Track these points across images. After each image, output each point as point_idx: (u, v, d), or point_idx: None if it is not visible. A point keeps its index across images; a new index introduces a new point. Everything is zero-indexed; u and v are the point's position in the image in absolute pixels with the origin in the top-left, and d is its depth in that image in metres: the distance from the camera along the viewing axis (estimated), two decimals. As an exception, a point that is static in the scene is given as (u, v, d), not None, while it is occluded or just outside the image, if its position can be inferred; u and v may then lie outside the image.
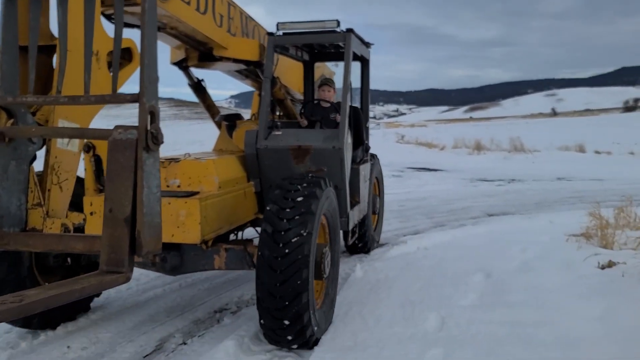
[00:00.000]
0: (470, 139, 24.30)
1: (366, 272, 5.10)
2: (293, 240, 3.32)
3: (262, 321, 3.42)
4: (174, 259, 3.87)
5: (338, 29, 4.59)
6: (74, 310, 4.18)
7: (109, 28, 2.92)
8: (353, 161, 5.07)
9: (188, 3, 3.83)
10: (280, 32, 4.68)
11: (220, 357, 3.29)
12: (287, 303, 3.30)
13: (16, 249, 2.13)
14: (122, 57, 3.16)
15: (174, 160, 4.05)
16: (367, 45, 5.47)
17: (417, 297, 4.26)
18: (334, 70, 7.71)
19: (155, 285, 5.04)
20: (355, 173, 5.01)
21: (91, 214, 3.61)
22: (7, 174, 2.20)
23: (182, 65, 5.02)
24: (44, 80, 2.79)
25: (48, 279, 4.00)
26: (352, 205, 4.92)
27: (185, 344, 3.74)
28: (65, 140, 2.56)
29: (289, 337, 3.42)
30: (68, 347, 3.66)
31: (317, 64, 6.52)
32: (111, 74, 3.09)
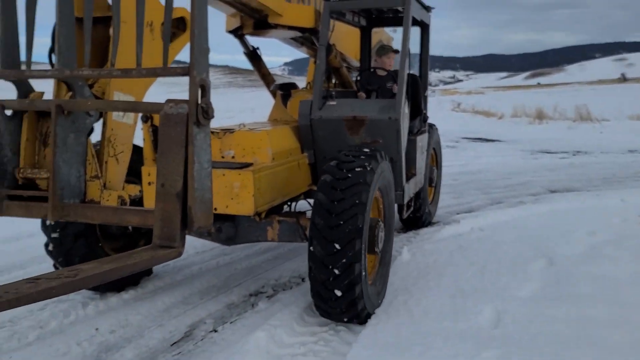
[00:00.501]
0: (531, 107, 22.65)
1: (414, 255, 4.74)
2: (347, 211, 3.27)
3: (313, 292, 3.42)
4: (229, 229, 3.91)
5: (397, -7, 4.37)
6: (139, 274, 4.36)
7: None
8: (410, 132, 4.90)
9: (242, -31, 3.74)
10: (337, -3, 4.52)
11: (251, 349, 3.08)
12: (339, 273, 3.26)
13: (76, 220, 2.18)
14: (176, 26, 3.13)
15: (228, 130, 4.05)
16: (427, 9, 5.22)
17: (469, 287, 3.95)
18: (392, 35, 7.46)
19: (193, 263, 4.91)
20: (412, 144, 4.85)
21: (149, 184, 3.68)
22: (67, 146, 2.24)
23: (238, 33, 4.97)
24: (101, 52, 2.81)
25: (111, 245, 4.16)
26: (408, 178, 4.78)
27: (215, 331, 3.56)
28: (121, 112, 2.58)
29: (340, 309, 3.39)
30: (96, 329, 3.54)
31: (374, 30, 6.31)
32: (166, 44, 3.08)
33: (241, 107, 27.12)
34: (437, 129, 6.43)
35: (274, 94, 5.64)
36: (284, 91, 5.30)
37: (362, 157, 3.52)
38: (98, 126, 2.55)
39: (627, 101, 25.94)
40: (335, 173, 3.40)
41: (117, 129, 2.57)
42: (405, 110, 4.36)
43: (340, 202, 3.29)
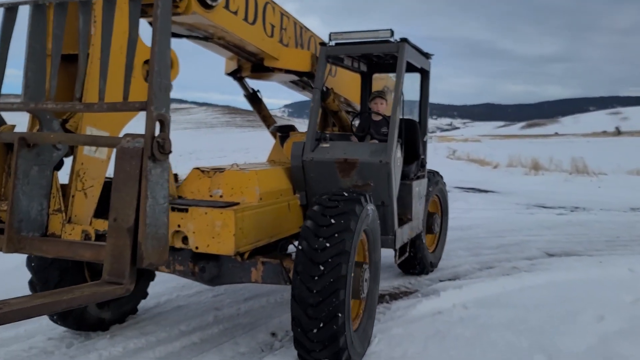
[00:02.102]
0: (527, 157, 22.08)
1: (378, 344, 3.84)
2: (330, 260, 3.18)
3: (296, 342, 3.31)
4: (213, 269, 3.84)
5: (392, 39, 4.42)
6: (123, 313, 4.29)
7: (146, 37, 2.94)
8: (406, 177, 4.84)
9: (235, 13, 3.83)
10: (333, 42, 4.58)
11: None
12: (322, 325, 3.17)
13: (30, 253, 2.15)
14: (162, 66, 3.18)
15: (219, 170, 4.05)
16: (427, 56, 5.25)
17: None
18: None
19: (188, 304, 4.74)
20: (407, 189, 4.78)
21: (133, 220, 3.66)
22: (29, 179, 2.24)
23: (237, 76, 5.05)
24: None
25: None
26: (402, 223, 4.68)
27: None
28: (93, 147, 2.59)
29: None
30: None
31: (379, 76, 6.36)
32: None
33: (236, 146, 27.23)
34: (441, 176, 6.35)
35: (274, 135, 5.67)
36: (283, 133, 5.32)
37: (346, 201, 3.45)
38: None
39: (623, 154, 24.99)
40: (318, 219, 3.34)
41: (88, 163, 2.58)
42: (398, 154, 4.31)
43: (324, 250, 3.21)
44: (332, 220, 3.30)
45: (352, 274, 3.38)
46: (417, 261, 5.64)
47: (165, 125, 2.02)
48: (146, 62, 2.97)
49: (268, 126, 5.74)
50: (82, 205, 2.50)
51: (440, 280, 5.67)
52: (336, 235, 3.23)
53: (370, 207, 3.68)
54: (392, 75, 7.15)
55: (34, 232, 2.27)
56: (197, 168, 4.17)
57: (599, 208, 11.51)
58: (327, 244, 3.21)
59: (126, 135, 2.02)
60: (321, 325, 3.14)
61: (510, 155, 23.21)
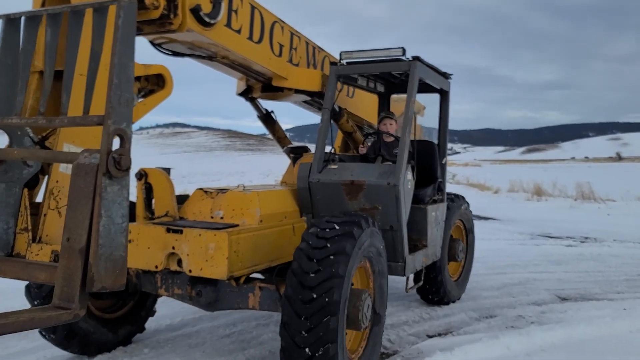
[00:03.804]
0: (529, 182, 20.89)
1: None
2: (321, 284, 2.99)
3: None
4: (210, 294, 3.69)
5: (404, 57, 4.25)
6: (127, 335, 4.18)
7: (145, 56, 2.89)
8: (421, 201, 4.61)
9: (238, 31, 3.75)
10: (344, 62, 4.45)
11: None
12: (311, 355, 2.96)
13: (-11, 273, 2.06)
14: (155, 83, 3.12)
15: (221, 191, 3.95)
16: (446, 76, 5.05)
17: None
18: (424, 104, 7.31)
19: (188, 334, 4.43)
20: (421, 213, 4.54)
21: (130, 241, 3.58)
22: (-6, 196, 2.17)
23: (248, 96, 4.98)
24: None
25: (97, 304, 4.03)
26: (416, 249, 4.43)
27: None
28: (70, 164, 2.52)
29: None
30: None
31: (400, 97, 6.18)
32: (139, 100, 3.06)
33: (232, 169, 27.15)
34: (465, 200, 6.06)
35: (288, 157, 5.56)
36: (295, 154, 5.20)
37: (344, 223, 3.26)
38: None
39: (629, 180, 23.05)
40: (312, 241, 3.16)
41: (64, 181, 2.50)
42: (408, 176, 4.10)
43: (315, 274, 3.03)
44: (327, 244, 3.11)
45: (348, 302, 3.17)
46: (436, 290, 5.34)
47: (125, 141, 1.92)
48: (134, 79, 2.91)
49: (283, 147, 5.63)
50: (54, 225, 2.41)
51: (428, 336, 4.58)
52: (330, 258, 3.04)
53: (374, 231, 3.47)
54: (417, 98, 6.96)
55: (-1, 251, 2.19)
56: (201, 189, 4.08)
57: (612, 239, 10.38)
58: (320, 267, 3.03)
59: (84, 150, 1.92)
60: (310, 354, 2.93)
61: (512, 179, 21.98)
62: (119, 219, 1.90)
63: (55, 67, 2.16)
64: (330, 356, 2.96)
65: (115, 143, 1.91)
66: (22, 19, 2.20)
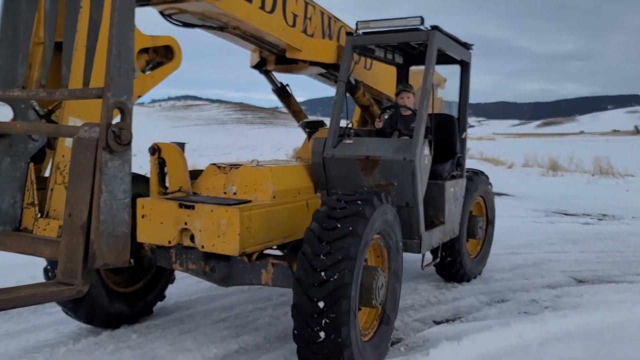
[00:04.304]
0: (544, 156, 20.11)
1: None
2: (332, 266, 2.93)
3: (299, 355, 3.08)
4: (223, 269, 3.67)
5: (422, 27, 4.09)
6: (148, 307, 4.21)
7: (144, 26, 2.81)
8: (439, 176, 4.49)
9: (249, 1, 3.64)
10: (360, 32, 4.31)
11: None
12: (324, 336, 2.92)
13: (-5, 248, 2.05)
14: (164, 55, 3.05)
15: (234, 166, 3.89)
16: (466, 46, 4.86)
17: None
18: (445, 77, 7.12)
19: (180, 318, 4.26)
20: (439, 189, 4.43)
21: (142, 217, 3.57)
22: (0, 171, 2.15)
23: (262, 69, 4.88)
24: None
25: (114, 279, 4.06)
26: (432, 226, 4.34)
27: None
28: (76, 138, 2.48)
29: None
30: None
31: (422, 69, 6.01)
32: (147, 73, 2.99)
33: (243, 143, 26.81)
34: (486, 175, 5.92)
35: (304, 131, 5.47)
36: (311, 128, 5.10)
37: (356, 202, 3.16)
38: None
39: None
40: (322, 221, 3.08)
41: (69, 155, 2.46)
42: (425, 151, 3.98)
43: (327, 256, 2.96)
44: (338, 224, 3.03)
45: (361, 280, 3.11)
46: (454, 267, 5.25)
47: (125, 114, 1.85)
48: (142, 51, 2.84)
49: (298, 121, 5.54)
50: (61, 200, 2.39)
51: (435, 322, 4.28)
52: (341, 239, 2.97)
53: (387, 208, 3.38)
54: (438, 70, 6.76)
55: (5, 225, 2.18)
56: (214, 164, 4.03)
57: (631, 216, 9.90)
58: (330, 249, 2.96)
59: (85, 124, 1.87)
60: (323, 336, 2.89)
61: (526, 154, 21.23)
62: (121, 194, 1.86)
63: (56, 38, 2.10)
64: (342, 338, 2.92)
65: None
66: None
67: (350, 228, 3.00)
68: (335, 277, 2.90)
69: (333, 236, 2.99)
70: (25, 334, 3.77)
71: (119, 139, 1.82)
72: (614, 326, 4.01)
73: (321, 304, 2.90)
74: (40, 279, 4.26)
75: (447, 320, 4.34)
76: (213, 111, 77.48)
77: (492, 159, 22.17)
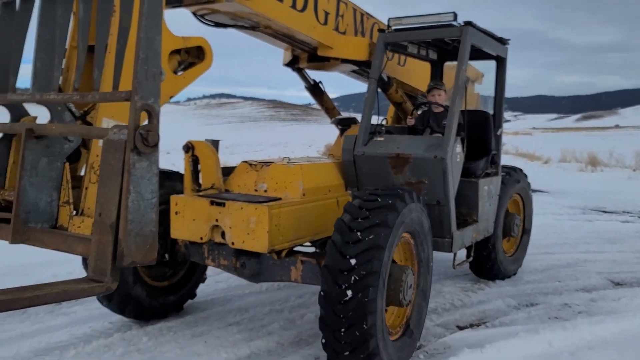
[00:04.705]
0: (582, 151, 19.26)
1: None
2: (361, 254, 2.95)
3: (324, 343, 3.11)
4: (254, 265, 3.73)
5: (455, 23, 4.02)
6: (179, 302, 4.33)
7: (176, 27, 2.87)
8: (472, 174, 4.42)
9: (281, 0, 3.66)
10: (392, 29, 4.27)
11: None
12: (351, 324, 2.94)
13: (33, 245, 2.15)
14: (196, 56, 3.11)
15: (265, 164, 3.94)
16: (502, 41, 4.75)
17: None
18: (482, 72, 6.97)
19: (194, 321, 4.18)
20: (472, 187, 4.36)
21: (176, 213, 3.66)
22: (37, 170, 2.25)
23: (294, 67, 4.90)
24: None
25: (149, 272, 4.18)
26: (466, 224, 4.28)
27: None
28: (109, 139, 2.56)
29: None
30: None
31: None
32: (179, 73, 3.06)
33: (275, 140, 26.64)
34: (524, 173, 5.78)
35: (337, 128, 5.47)
36: (343, 125, 5.10)
37: (387, 196, 3.18)
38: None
39: None
40: (354, 212, 3.11)
41: (104, 155, 2.55)
42: (457, 149, 3.92)
43: (356, 243, 2.99)
44: (369, 215, 3.05)
45: (390, 277, 3.11)
46: (489, 266, 5.17)
47: (152, 116, 1.91)
48: (173, 52, 2.91)
49: (331, 118, 5.54)
50: (95, 198, 2.47)
51: (458, 327, 4.09)
52: (371, 228, 2.99)
53: (417, 206, 3.36)
54: (476, 65, 6.63)
55: (43, 223, 2.28)
56: (245, 161, 4.08)
57: None
58: (360, 237, 2.98)
59: (114, 126, 1.94)
60: (349, 324, 2.91)
61: (564, 149, 20.41)
62: (149, 194, 1.91)
63: (90, 41, 2.17)
64: (368, 327, 2.93)
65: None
66: None
67: (381, 218, 3.02)
68: (364, 264, 2.92)
69: (363, 225, 3.02)
70: (39, 335, 3.79)
71: (146, 141, 1.87)
72: (650, 333, 3.75)
73: (349, 292, 2.92)
74: (60, 277, 4.43)
75: (472, 325, 4.15)
76: (246, 108, 78.39)
77: (528, 154, 21.49)
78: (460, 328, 4.08)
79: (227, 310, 4.38)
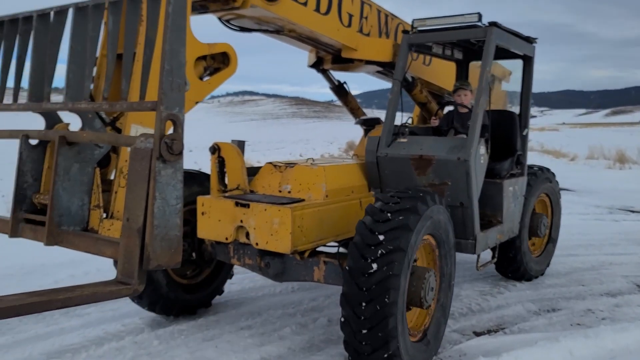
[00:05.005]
0: (610, 147, 18.64)
1: None
2: (382, 257, 2.99)
3: (346, 343, 3.16)
4: (278, 265, 3.80)
5: (479, 23, 4.00)
6: (207, 299, 4.45)
7: (200, 34, 2.95)
8: (497, 175, 4.40)
9: (304, 4, 3.71)
10: (416, 30, 4.27)
11: None
12: (371, 326, 2.99)
13: (66, 247, 2.26)
14: (221, 61, 3.19)
15: (289, 165, 4.00)
16: (530, 40, 4.69)
17: None
18: (510, 69, 6.88)
19: (206, 324, 4.14)
20: (497, 188, 4.34)
21: (202, 214, 3.76)
22: (69, 175, 2.36)
23: (319, 68, 4.95)
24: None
25: (177, 271, 4.30)
26: (489, 226, 4.26)
27: None
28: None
29: None
30: None
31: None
32: (205, 79, 3.14)
33: (297, 137, 26.35)
34: (552, 173, 5.71)
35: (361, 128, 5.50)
36: (368, 126, 5.12)
37: (409, 198, 3.20)
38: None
39: None
40: (375, 214, 3.15)
41: (132, 160, 2.65)
42: (481, 150, 3.91)
43: (377, 246, 3.03)
44: (390, 217, 3.09)
45: (410, 277, 3.14)
46: (515, 267, 5.13)
47: (177, 125, 1.98)
48: (199, 58, 2.99)
49: (355, 118, 5.57)
50: (124, 202, 2.58)
51: (475, 333, 3.99)
52: (392, 231, 3.02)
53: (440, 208, 3.38)
54: (503, 63, 6.55)
55: (75, 226, 2.39)
56: (270, 163, 4.16)
57: None
58: (381, 240, 3.02)
59: (141, 135, 2.02)
60: (370, 326, 2.96)
61: (591, 145, 19.98)
62: (173, 200, 1.99)
63: (117, 51, 2.26)
64: (389, 329, 2.98)
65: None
66: (89, 7, 2.32)
67: (402, 221, 3.05)
68: (385, 267, 2.96)
69: (384, 228, 3.06)
70: (52, 336, 3.82)
71: (171, 150, 1.94)
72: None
73: (370, 294, 2.96)
74: (77, 277, 4.51)
75: (489, 332, 4.05)
76: (269, 106, 78.38)
77: (554, 151, 20.96)
78: (477, 334, 3.99)
79: (239, 313, 4.36)
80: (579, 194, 11.40)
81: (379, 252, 3.02)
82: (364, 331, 3.03)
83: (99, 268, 5.04)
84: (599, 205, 9.98)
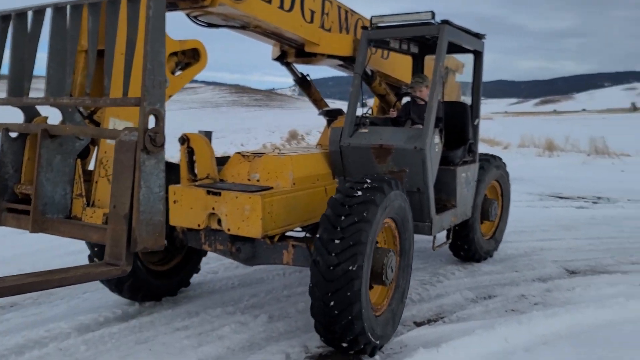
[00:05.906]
0: (540, 136, 19.87)
1: None
2: (345, 251, 3.22)
3: (316, 326, 3.41)
4: (248, 250, 4.01)
5: (433, 21, 4.28)
6: (173, 287, 4.61)
7: (172, 31, 3.10)
8: (451, 162, 4.72)
9: (269, 2, 3.90)
10: (375, 26, 4.52)
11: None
12: (338, 313, 3.24)
13: (52, 234, 2.40)
14: (191, 57, 3.35)
15: (257, 154, 4.19)
16: (479, 36, 5.02)
17: None
18: (463, 62, 7.23)
19: (139, 325, 3.91)
20: (451, 175, 4.66)
21: (174, 202, 3.91)
22: (52, 167, 2.50)
23: (283, 61, 5.14)
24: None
25: (150, 259, 4.44)
26: (445, 209, 4.59)
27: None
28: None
29: (344, 345, 3.37)
30: None
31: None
32: (177, 74, 3.30)
33: (239, 126, 25.92)
34: (502, 161, 6.11)
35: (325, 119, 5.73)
36: (330, 117, 5.37)
37: (367, 189, 3.43)
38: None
39: None
40: (336, 209, 3.37)
41: (111, 152, 2.79)
42: (436, 140, 4.21)
43: (340, 241, 3.24)
44: (350, 212, 3.31)
45: (373, 260, 3.40)
46: (467, 247, 5.50)
47: (159, 119, 2.16)
48: (172, 54, 3.14)
49: (318, 109, 5.80)
50: (104, 190, 2.72)
51: (415, 323, 4.04)
52: (353, 225, 3.25)
53: (398, 194, 3.64)
54: (457, 56, 6.89)
55: (59, 214, 2.53)
56: (239, 152, 4.34)
57: (626, 198, 9.70)
58: (343, 235, 3.23)
59: (125, 128, 2.19)
60: (337, 312, 3.21)
61: (523, 134, 21.30)
62: (157, 188, 2.17)
63: (98, 47, 2.41)
64: (354, 314, 3.23)
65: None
66: (68, 7, 2.45)
67: (362, 215, 3.28)
68: (348, 260, 3.19)
69: (345, 223, 3.26)
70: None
71: (154, 142, 2.13)
72: (606, 325, 3.73)
73: (335, 285, 3.20)
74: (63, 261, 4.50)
75: (429, 321, 4.08)
76: (208, 94, 76.12)
77: (488, 140, 21.77)
78: (418, 324, 4.04)
79: (175, 313, 4.17)
80: (512, 181, 11.96)
81: (342, 247, 3.20)
82: (332, 317, 3.27)
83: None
84: (531, 192, 10.38)
